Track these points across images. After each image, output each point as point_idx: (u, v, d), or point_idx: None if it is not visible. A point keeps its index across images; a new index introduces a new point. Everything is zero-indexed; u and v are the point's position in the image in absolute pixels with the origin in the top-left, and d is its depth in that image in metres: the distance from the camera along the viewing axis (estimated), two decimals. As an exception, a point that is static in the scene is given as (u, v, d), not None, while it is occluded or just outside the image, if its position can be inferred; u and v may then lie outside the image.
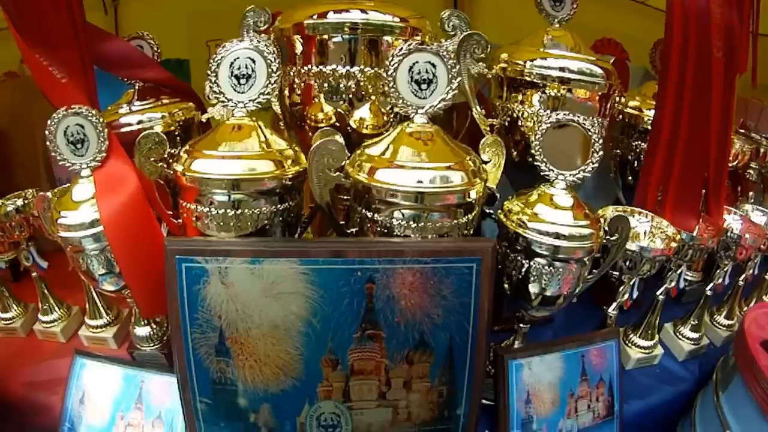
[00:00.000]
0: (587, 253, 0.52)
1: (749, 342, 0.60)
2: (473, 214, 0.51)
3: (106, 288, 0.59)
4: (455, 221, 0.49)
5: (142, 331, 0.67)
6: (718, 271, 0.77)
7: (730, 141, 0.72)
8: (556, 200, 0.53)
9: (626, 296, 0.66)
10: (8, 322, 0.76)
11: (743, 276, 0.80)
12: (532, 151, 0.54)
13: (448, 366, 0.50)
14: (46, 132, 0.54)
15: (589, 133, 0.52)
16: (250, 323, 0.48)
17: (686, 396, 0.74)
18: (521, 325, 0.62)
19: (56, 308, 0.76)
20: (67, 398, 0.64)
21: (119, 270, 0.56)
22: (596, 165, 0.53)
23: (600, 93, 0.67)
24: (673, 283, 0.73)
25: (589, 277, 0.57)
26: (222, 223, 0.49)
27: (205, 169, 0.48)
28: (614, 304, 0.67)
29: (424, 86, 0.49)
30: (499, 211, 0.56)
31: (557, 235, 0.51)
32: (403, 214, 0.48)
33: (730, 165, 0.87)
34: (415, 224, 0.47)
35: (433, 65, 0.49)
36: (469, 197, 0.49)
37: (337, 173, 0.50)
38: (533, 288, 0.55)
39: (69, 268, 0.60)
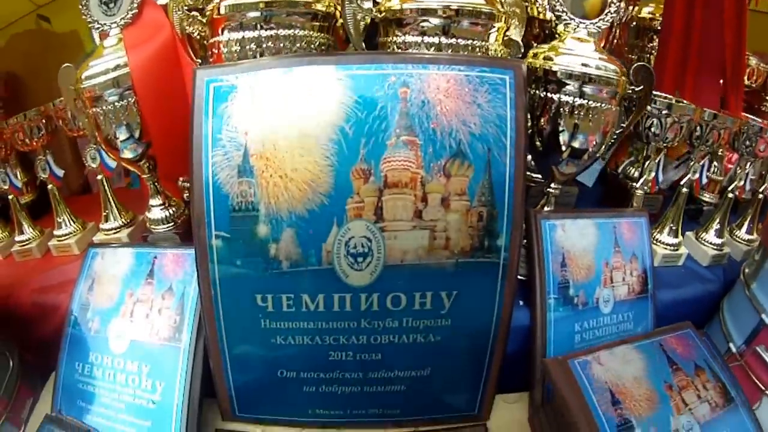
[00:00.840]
0: (613, 94, 0.53)
1: None
2: (498, 32, 0.52)
3: (126, 156, 0.58)
4: (484, 42, 0.50)
5: (156, 213, 0.63)
6: (738, 171, 0.76)
7: (745, 29, 0.73)
8: (580, 38, 0.55)
9: (652, 174, 0.65)
10: (23, 243, 0.74)
11: (764, 186, 0.79)
12: (555, 8, 0.56)
13: (487, 183, 0.47)
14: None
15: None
16: (279, 135, 0.46)
17: (714, 297, 0.71)
18: (552, 187, 0.60)
19: (71, 222, 0.74)
20: (76, 288, 0.60)
21: (142, 128, 0.55)
22: (614, 15, 0.56)
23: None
24: (696, 175, 0.71)
25: (616, 132, 0.57)
26: (251, 50, 0.50)
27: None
28: (641, 181, 0.65)
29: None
30: (525, 59, 0.57)
31: (584, 65, 0.52)
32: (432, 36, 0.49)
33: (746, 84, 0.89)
34: (446, 39, 0.49)
35: None
36: (494, 21, 0.51)
37: (368, 6, 0.52)
38: (563, 137, 0.54)
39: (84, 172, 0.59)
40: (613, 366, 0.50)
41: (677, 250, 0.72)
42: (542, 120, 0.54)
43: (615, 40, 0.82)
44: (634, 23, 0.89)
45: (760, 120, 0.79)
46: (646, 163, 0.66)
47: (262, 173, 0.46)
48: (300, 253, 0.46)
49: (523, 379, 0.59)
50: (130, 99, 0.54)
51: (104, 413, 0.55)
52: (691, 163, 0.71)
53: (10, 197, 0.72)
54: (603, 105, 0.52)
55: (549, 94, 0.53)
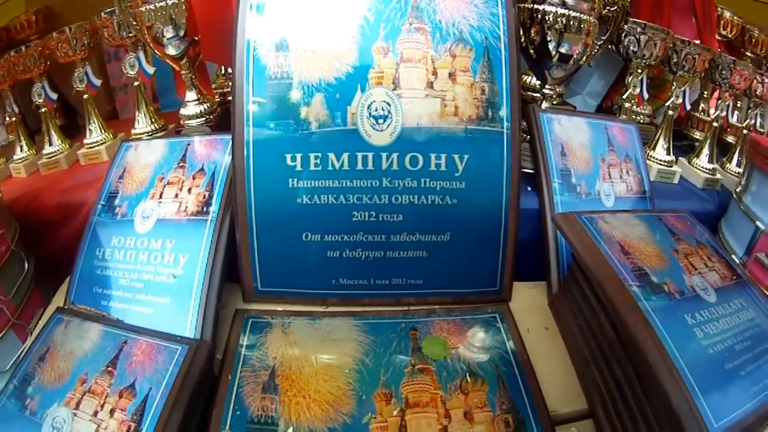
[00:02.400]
0: (591, 7, 0.65)
1: (758, 139, 0.69)
2: None
3: (170, 53, 0.68)
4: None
5: (191, 109, 0.71)
6: (719, 102, 0.86)
7: None
8: None
9: (637, 89, 0.75)
10: (51, 155, 0.79)
11: (746, 122, 0.88)
12: None
13: (487, 64, 0.56)
14: None
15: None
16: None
17: (711, 217, 0.78)
18: (547, 88, 0.70)
19: (102, 130, 0.80)
20: (106, 179, 0.64)
21: (187, 26, 0.65)
22: None
23: None
24: (679, 99, 0.82)
25: (598, 43, 0.68)
26: None
27: None
28: (626, 93, 0.76)
29: None
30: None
31: None
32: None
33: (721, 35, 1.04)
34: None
35: None
36: None
37: None
38: (551, 45, 0.66)
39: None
40: (618, 226, 0.55)
41: (671, 167, 0.82)
42: (533, 31, 0.66)
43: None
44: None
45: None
46: (629, 78, 0.76)
47: (295, 52, 0.55)
48: (327, 115, 0.54)
49: (540, 271, 0.63)
50: (177, 4, 0.63)
51: (120, 296, 0.58)
52: (673, 88, 0.82)
53: (43, 110, 0.78)
54: (582, 15, 0.64)
55: (537, 5, 0.65)
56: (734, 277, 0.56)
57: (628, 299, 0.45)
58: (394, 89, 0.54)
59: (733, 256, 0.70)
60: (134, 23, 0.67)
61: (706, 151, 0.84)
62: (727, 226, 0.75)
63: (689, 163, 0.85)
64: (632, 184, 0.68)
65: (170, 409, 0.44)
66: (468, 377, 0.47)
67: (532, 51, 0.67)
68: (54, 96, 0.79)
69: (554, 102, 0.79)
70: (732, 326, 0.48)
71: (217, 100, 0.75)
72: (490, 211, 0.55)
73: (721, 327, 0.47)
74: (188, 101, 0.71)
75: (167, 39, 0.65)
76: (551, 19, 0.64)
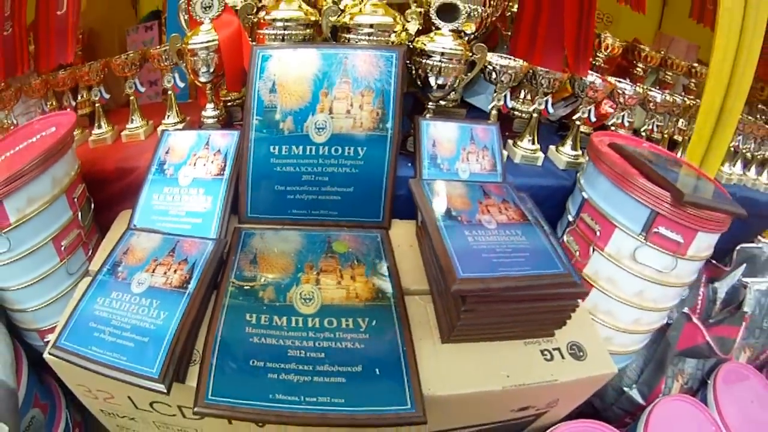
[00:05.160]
0: (459, 60, 1.12)
1: (593, 139, 1.07)
2: (398, 31, 1.14)
3: (201, 80, 1.16)
4: (391, 40, 1.13)
5: (209, 112, 1.21)
6: (581, 106, 1.22)
7: (593, 10, 1.12)
8: (443, 33, 1.15)
9: (501, 102, 1.24)
10: (99, 134, 1.27)
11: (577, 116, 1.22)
12: (431, 17, 1.18)
13: (381, 100, 1.05)
14: (181, 12, 1.19)
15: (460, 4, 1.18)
16: (289, 76, 1.05)
17: (566, 190, 1.14)
18: (429, 104, 1.20)
19: (141, 119, 1.29)
20: (156, 153, 1.12)
21: (214, 72, 1.15)
22: (467, 19, 1.19)
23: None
24: (542, 106, 1.22)
25: (464, 76, 1.18)
26: (278, 38, 1.12)
27: (275, 15, 1.13)
28: (492, 104, 1.24)
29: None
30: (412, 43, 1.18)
31: (443, 47, 1.11)
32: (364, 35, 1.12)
33: (602, 55, 1.46)
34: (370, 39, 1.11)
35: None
36: (395, 29, 1.13)
37: (335, 17, 1.15)
38: (431, 79, 1.14)
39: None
40: (445, 188, 0.98)
41: (535, 153, 1.20)
42: (419, 71, 1.14)
43: (488, 27, 1.37)
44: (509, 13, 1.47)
45: (630, 82, 1.32)
46: (496, 91, 1.24)
47: (280, 91, 1.05)
48: (294, 127, 1.03)
49: (413, 214, 1.10)
50: (211, 54, 1.12)
51: (170, 219, 1.02)
52: (537, 98, 1.28)
53: (97, 105, 1.25)
54: (452, 65, 1.12)
55: (424, 60, 1.13)
56: (522, 220, 0.91)
57: (432, 222, 0.93)
58: (329, 114, 1.04)
59: (569, 216, 1.09)
60: (182, 61, 1.18)
61: (569, 141, 1.24)
62: (571, 197, 1.14)
63: (556, 150, 1.24)
64: (486, 165, 1.10)
65: (207, 270, 0.92)
66: (356, 261, 0.96)
67: (419, 81, 1.16)
68: (107, 96, 1.28)
69: (449, 107, 1.28)
70: (499, 241, 0.84)
71: (222, 106, 1.26)
72: (379, 175, 1.04)
73: (489, 239, 0.86)
74: (208, 107, 1.21)
75: (201, 72, 1.15)
76: (432, 67, 1.13)
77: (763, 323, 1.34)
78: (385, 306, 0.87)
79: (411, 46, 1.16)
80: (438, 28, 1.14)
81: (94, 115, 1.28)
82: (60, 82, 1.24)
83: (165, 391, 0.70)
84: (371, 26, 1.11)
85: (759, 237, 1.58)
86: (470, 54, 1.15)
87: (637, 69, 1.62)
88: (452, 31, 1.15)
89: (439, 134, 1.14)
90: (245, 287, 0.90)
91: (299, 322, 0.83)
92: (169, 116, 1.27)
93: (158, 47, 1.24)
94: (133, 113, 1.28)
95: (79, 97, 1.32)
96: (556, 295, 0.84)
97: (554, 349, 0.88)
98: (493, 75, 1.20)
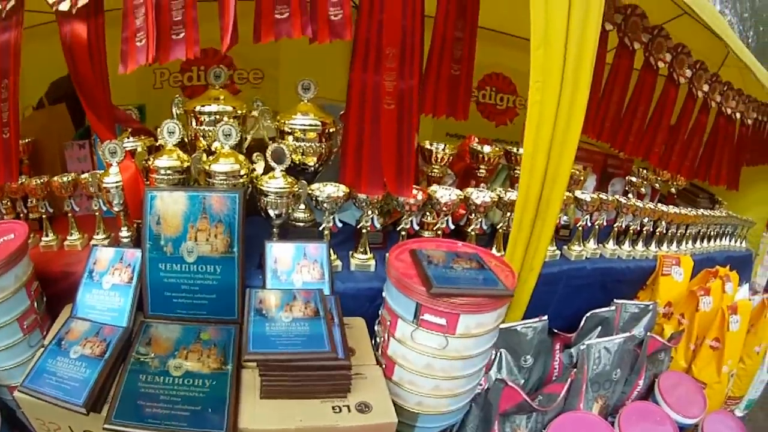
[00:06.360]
0: (288, 195, 1.64)
1: (388, 255, 1.53)
2: (245, 180, 1.64)
3: (115, 209, 1.71)
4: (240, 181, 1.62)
5: (125, 233, 1.77)
6: (403, 218, 1.70)
7: (413, 138, 1.54)
8: (275, 176, 1.65)
9: (330, 224, 1.74)
10: (47, 242, 1.79)
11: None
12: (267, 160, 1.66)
13: (229, 229, 1.57)
14: (98, 149, 1.70)
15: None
16: (168, 211, 1.58)
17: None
18: (273, 229, 1.72)
19: (78, 233, 1.84)
20: (87, 264, 1.69)
21: (123, 203, 1.68)
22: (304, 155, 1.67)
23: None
24: (369, 223, 1.71)
25: (294, 207, 1.69)
26: (166, 183, 1.63)
27: (158, 164, 1.64)
28: (325, 225, 1.76)
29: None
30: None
31: (275, 189, 1.63)
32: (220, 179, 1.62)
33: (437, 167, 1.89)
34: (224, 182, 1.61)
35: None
36: (242, 173, 1.63)
37: (200, 165, 1.64)
38: (270, 210, 1.67)
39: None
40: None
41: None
42: (261, 204, 1.66)
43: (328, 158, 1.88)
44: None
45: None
46: (324, 216, 1.76)
47: (163, 224, 1.58)
48: (173, 249, 1.57)
49: None
50: (119, 191, 1.66)
51: (97, 312, 1.62)
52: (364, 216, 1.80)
53: (43, 217, 1.79)
54: (282, 200, 1.64)
55: (263, 197, 1.65)
56: (314, 315, 1.34)
57: (246, 318, 1.50)
58: (195, 241, 1.57)
59: (379, 311, 1.57)
60: (100, 193, 1.72)
61: (360, 248, 1.79)
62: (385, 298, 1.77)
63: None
64: (315, 275, 1.51)
65: (117, 346, 1.51)
66: (213, 345, 1.53)
67: (263, 213, 1.68)
68: (51, 210, 1.81)
69: (307, 226, 1.82)
70: (288, 330, 1.31)
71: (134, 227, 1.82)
72: (232, 285, 1.58)
73: (280, 329, 1.30)
74: (122, 229, 1.78)
75: (114, 203, 1.70)
76: (268, 201, 1.64)
77: (612, 375, 1.56)
78: (224, 373, 1.47)
79: (255, 184, 1.65)
80: (272, 169, 1.62)
81: (42, 221, 1.82)
82: (12, 191, 1.66)
83: (86, 413, 1.16)
84: (224, 173, 1.61)
85: (614, 300, 1.80)
86: (296, 189, 1.63)
87: (480, 171, 1.95)
88: (283, 171, 1.63)
89: (280, 252, 1.66)
90: (141, 359, 1.50)
91: (171, 381, 1.44)
92: (98, 233, 1.83)
93: (86, 175, 1.77)
94: (71, 228, 1.83)
95: (29, 203, 1.72)
96: (321, 366, 1.41)
97: (344, 406, 1.20)
98: (318, 203, 1.69)
